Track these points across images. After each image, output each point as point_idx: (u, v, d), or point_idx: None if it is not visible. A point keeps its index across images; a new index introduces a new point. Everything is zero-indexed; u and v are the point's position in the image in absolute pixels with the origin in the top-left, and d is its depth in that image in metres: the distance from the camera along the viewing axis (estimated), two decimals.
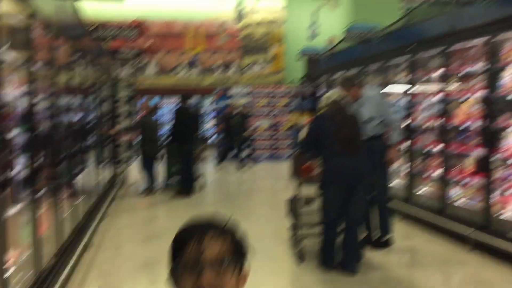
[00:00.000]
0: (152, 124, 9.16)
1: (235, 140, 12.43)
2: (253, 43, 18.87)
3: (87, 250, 5.34)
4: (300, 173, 5.06)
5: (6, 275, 2.96)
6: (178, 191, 8.89)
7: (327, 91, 6.90)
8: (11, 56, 3.31)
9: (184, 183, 8.88)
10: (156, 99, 12.97)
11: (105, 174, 8.54)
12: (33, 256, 3.55)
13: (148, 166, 9.13)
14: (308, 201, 5.32)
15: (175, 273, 1.11)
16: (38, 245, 3.58)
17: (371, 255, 5.10)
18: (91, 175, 6.82)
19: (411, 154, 6.60)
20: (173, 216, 7.58)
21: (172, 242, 1.15)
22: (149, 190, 9.09)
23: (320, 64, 11.61)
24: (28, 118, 3.55)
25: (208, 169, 13.86)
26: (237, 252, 1.12)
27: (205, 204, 8.56)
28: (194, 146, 9.03)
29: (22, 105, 3.54)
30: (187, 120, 8.81)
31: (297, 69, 16.28)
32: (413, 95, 6.62)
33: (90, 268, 4.83)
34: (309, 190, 5.43)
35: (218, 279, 1.07)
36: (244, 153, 13.12)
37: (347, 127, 4.54)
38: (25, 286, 3.32)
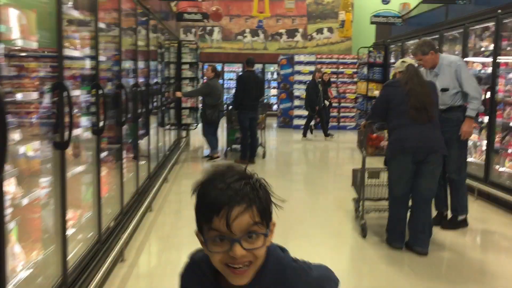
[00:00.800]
0: (215, 89, 9.05)
1: (319, 109, 11.99)
2: (321, 9, 18.26)
3: (147, 213, 5.38)
4: (367, 144, 4.77)
5: (68, 233, 2.98)
6: (239, 158, 8.83)
7: (399, 59, 6.44)
8: (75, 15, 3.24)
9: (246, 150, 8.79)
10: (220, 65, 12.88)
11: (169, 138, 8.61)
12: (95, 217, 3.56)
13: (211, 131, 9.10)
14: (375, 173, 5.04)
15: (205, 244, 1.09)
16: (99, 207, 3.59)
17: (442, 236, 4.78)
18: (154, 139, 6.86)
19: (492, 129, 6.08)
20: None
21: (197, 204, 1.11)
22: (211, 155, 9.09)
23: (392, 31, 10.98)
24: (92, 78, 3.50)
25: (271, 136, 13.76)
26: (263, 216, 1.09)
27: (265, 172, 8.44)
28: (257, 113, 8.88)
29: (86, 65, 3.50)
30: (251, 86, 8.62)
31: (365, 37, 15.60)
32: (497, 65, 6.04)
33: (150, 231, 4.86)
34: (376, 162, 5.14)
35: (250, 246, 1.06)
36: (327, 122, 12.78)
37: (421, 94, 4.17)
38: (86, 246, 3.34)
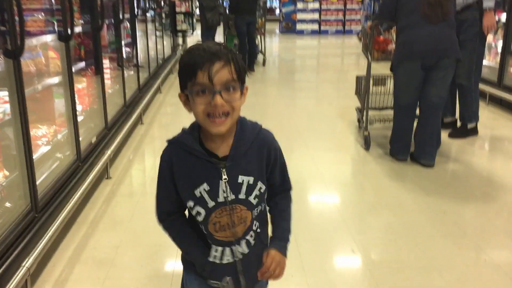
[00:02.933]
0: None
1: None
2: None
3: (138, 126, 5.10)
4: (373, 48, 4.32)
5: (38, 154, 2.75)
6: None
7: None
8: None
9: (244, 58, 8.31)
10: None
11: (162, 46, 8.11)
12: (71, 134, 3.27)
13: (207, 37, 8.56)
14: (380, 80, 4.64)
15: (189, 95, 1.25)
16: (75, 122, 3.28)
17: (450, 144, 4.49)
18: (144, 47, 6.40)
19: (509, 28, 5.55)
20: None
21: (181, 66, 1.26)
22: None
23: None
24: None
25: (273, 42, 13.13)
26: (239, 76, 1.25)
27: (265, 80, 8.03)
28: (255, 16, 8.27)
29: None
30: None
31: None
32: None
33: (139, 146, 4.60)
34: (383, 68, 4.73)
35: (228, 98, 1.23)
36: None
37: None
38: (63, 166, 3.09)
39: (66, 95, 3.22)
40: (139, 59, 5.87)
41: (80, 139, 3.57)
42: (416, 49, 3.71)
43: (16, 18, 2.28)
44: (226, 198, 1.31)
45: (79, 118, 3.68)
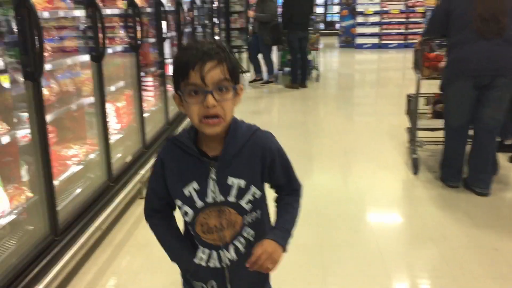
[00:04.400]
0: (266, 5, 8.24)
1: None
2: None
3: None
4: (422, 65, 4.03)
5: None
6: (290, 82, 8.24)
7: None
8: None
9: (296, 73, 8.16)
10: None
11: None
12: (102, 156, 3.25)
13: (258, 53, 8.49)
14: (432, 100, 4.33)
15: (183, 98, 1.24)
16: (107, 143, 3.26)
17: (510, 170, 4.09)
18: None
19: None
20: (280, 111, 7.03)
21: (174, 66, 1.24)
22: (268, 80, 8.56)
23: None
24: None
25: (329, 57, 12.90)
26: (232, 75, 1.23)
27: (316, 97, 7.82)
28: (308, 31, 8.11)
29: None
30: (300, 1, 7.82)
31: None
32: None
33: None
34: (435, 86, 4.42)
35: (220, 98, 1.21)
36: None
37: (490, 0, 3.35)
38: (94, 187, 3.07)
39: (98, 114, 3.20)
40: None
41: (117, 156, 3.57)
42: (468, 66, 3.40)
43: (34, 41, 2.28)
44: (215, 198, 1.30)
45: (117, 137, 3.69)
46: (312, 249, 2.79)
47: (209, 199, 1.30)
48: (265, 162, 1.33)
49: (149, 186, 1.41)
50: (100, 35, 3.02)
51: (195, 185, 1.30)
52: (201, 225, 1.33)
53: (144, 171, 3.70)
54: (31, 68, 2.27)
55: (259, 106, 7.20)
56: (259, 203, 1.35)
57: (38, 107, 2.36)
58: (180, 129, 5.01)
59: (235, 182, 1.29)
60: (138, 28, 3.81)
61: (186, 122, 5.30)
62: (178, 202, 1.33)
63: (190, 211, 1.31)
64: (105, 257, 2.87)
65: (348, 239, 3.04)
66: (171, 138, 1.35)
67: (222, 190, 1.29)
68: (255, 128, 1.35)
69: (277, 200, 1.44)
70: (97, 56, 3.07)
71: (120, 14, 3.75)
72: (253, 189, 1.31)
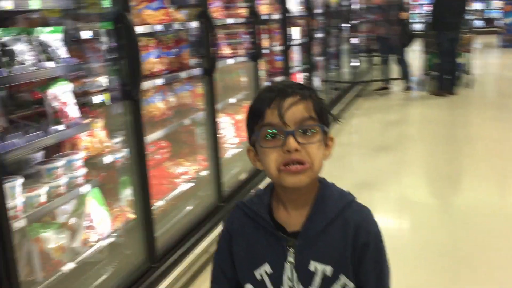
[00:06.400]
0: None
1: None
2: None
3: None
4: None
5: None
6: (436, 89, 7.41)
7: None
8: None
9: (444, 79, 7.30)
10: None
11: (352, 66, 7.65)
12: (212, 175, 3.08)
13: (404, 58, 7.78)
14: None
15: (257, 144, 1.01)
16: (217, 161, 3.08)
17: None
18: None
19: None
20: (421, 122, 6.30)
21: (248, 113, 1.03)
22: (404, 86, 7.86)
23: None
24: None
25: (488, 59, 11.48)
26: (320, 116, 0.99)
27: (469, 106, 6.88)
28: (459, 32, 7.19)
29: None
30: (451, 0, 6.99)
31: None
32: None
33: None
34: None
35: (305, 141, 0.97)
36: None
37: None
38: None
39: (209, 129, 3.04)
40: (317, 83, 5.55)
41: (231, 173, 3.40)
42: None
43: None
44: None
45: (234, 151, 3.52)
46: None
47: None
48: (357, 243, 1.01)
49: (214, 263, 1.15)
50: (212, 48, 2.84)
51: (267, 267, 1.03)
52: None
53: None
54: (129, 87, 2.15)
55: (396, 116, 6.53)
56: None
57: (136, 126, 2.23)
58: None
59: (319, 268, 1.01)
60: (259, 36, 3.59)
61: None
62: (248, 287, 1.06)
63: None
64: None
65: None
66: (240, 204, 1.11)
67: (301, 278, 1.01)
68: (350, 199, 1.05)
69: None
70: (209, 69, 2.90)
71: (241, 22, 3.58)
72: (343, 279, 1.01)
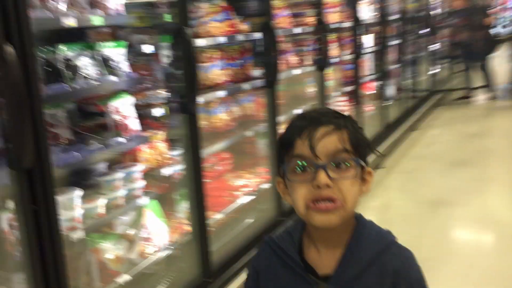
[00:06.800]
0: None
1: None
2: None
3: (375, 170, 4.56)
4: None
5: None
6: None
7: None
8: None
9: None
10: None
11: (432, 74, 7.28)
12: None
13: (488, 65, 7.28)
14: None
15: (286, 178, 0.94)
16: None
17: None
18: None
19: None
20: (508, 135, 5.83)
21: (278, 141, 0.97)
22: (487, 95, 7.35)
23: None
24: None
25: None
26: (356, 148, 0.91)
27: None
28: None
29: None
30: None
31: None
32: None
33: (378, 192, 4.06)
34: None
35: (337, 176, 0.89)
36: None
37: None
38: None
39: (270, 141, 2.98)
40: (391, 92, 5.33)
41: None
42: None
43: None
44: None
45: None
46: None
47: None
48: None
49: None
50: (275, 59, 2.79)
51: None
52: None
53: None
54: (186, 100, 2.14)
55: (478, 128, 6.08)
56: None
57: (193, 140, 2.22)
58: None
59: None
60: (326, 45, 3.50)
61: (385, 147, 4.76)
62: None
63: None
64: None
65: None
66: (269, 240, 1.04)
67: None
68: (389, 240, 0.95)
69: None
70: (271, 80, 2.85)
71: (308, 32, 3.50)
72: None
